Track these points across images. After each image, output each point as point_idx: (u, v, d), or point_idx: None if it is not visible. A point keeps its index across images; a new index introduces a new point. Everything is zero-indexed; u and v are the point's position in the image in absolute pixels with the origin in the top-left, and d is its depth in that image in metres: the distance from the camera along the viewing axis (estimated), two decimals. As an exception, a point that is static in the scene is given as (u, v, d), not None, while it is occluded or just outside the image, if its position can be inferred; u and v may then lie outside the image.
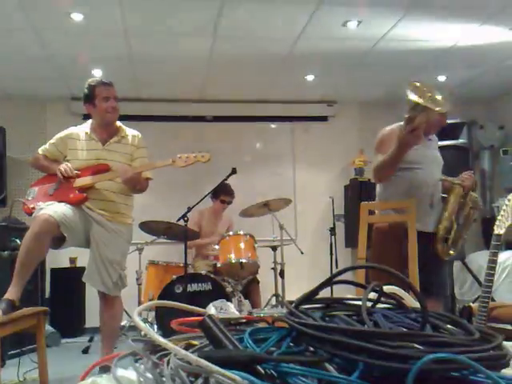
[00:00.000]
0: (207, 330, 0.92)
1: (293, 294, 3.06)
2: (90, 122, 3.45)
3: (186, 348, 0.94)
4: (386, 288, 1.16)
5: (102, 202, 3.29)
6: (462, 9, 4.31)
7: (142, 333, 0.94)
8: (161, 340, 0.84)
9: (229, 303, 1.27)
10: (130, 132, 3.45)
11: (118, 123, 3.44)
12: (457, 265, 5.01)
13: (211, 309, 1.19)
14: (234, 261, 4.65)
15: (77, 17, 4.27)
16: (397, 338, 0.85)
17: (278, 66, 5.49)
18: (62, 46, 4.87)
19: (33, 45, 4.76)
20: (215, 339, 0.91)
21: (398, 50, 5.13)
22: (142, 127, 3.70)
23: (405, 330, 0.95)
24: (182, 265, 4.62)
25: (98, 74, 5.39)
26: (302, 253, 5.26)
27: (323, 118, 6.77)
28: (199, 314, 1.14)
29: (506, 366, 0.87)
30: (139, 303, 4.96)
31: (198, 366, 0.79)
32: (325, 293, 1.14)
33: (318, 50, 5.10)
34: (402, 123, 3.11)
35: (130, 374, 0.96)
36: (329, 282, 1.07)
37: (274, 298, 5.04)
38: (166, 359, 0.89)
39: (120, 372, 0.95)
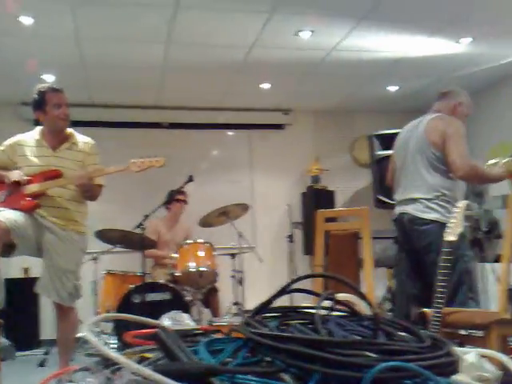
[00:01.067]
0: (161, 343, 0.91)
1: (253, 301, 3.05)
2: (39, 128, 3.38)
3: (140, 361, 0.92)
4: (340, 296, 1.17)
5: (55, 209, 3.22)
6: (411, 21, 4.42)
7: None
8: (112, 354, 0.82)
9: (183, 314, 1.25)
10: (81, 139, 3.39)
11: (69, 130, 3.38)
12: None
13: (165, 320, 1.18)
14: (192, 269, 4.60)
15: (26, 20, 4.14)
16: (350, 347, 0.86)
17: (234, 74, 5.50)
18: (11, 50, 4.72)
19: (-20, 49, 4.62)
20: (169, 352, 0.90)
21: (351, 60, 5.23)
22: (95, 133, 3.63)
23: (358, 337, 0.96)
24: (139, 274, 4.55)
25: (49, 78, 5.26)
26: (261, 261, 5.26)
27: (279, 126, 6.81)
28: (154, 326, 1.13)
29: (456, 372, 0.89)
30: (96, 314, 4.85)
31: (152, 380, 0.78)
32: (284, 301, 1.14)
33: (272, 59, 5.14)
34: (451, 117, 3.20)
35: (82, 389, 0.93)
36: (283, 292, 1.07)
37: (234, 306, 5.03)
38: (119, 373, 0.88)
39: (71, 388, 0.92)
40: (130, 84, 5.67)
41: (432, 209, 3.09)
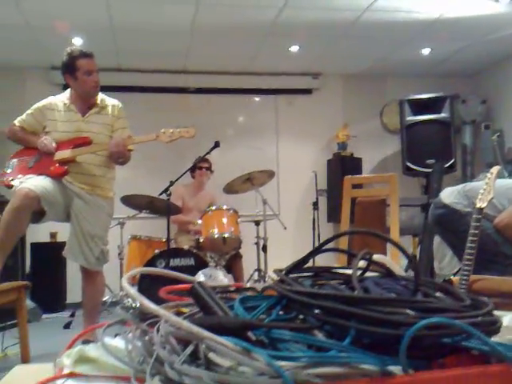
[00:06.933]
0: (197, 297, 0.90)
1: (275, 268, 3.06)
2: (68, 91, 3.36)
3: (176, 315, 0.92)
4: (375, 257, 1.15)
5: (83, 176, 3.24)
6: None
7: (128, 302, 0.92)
8: (152, 306, 0.82)
9: (218, 271, 1.25)
10: (110, 102, 3.38)
11: (99, 94, 3.36)
12: (436, 239, 5.06)
13: (200, 276, 1.18)
14: (216, 236, 4.62)
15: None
16: (388, 304, 0.85)
17: (263, 36, 5.41)
18: (40, 14, 4.73)
19: (10, 12, 4.62)
20: (206, 306, 0.89)
21: (384, 22, 5.09)
22: (123, 98, 3.62)
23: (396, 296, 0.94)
24: (164, 240, 4.59)
25: (78, 42, 5.26)
26: (284, 228, 5.27)
27: (307, 91, 6.71)
28: (188, 283, 1.13)
29: (497, 332, 0.87)
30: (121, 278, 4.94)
31: (190, 333, 0.78)
32: (308, 264, 1.12)
33: (302, 20, 5.03)
34: None
35: (118, 342, 0.94)
36: (318, 250, 1.06)
37: (257, 272, 5.06)
38: (155, 326, 0.88)
39: (107, 340, 0.93)
40: (158, 48, 5.65)
41: None
